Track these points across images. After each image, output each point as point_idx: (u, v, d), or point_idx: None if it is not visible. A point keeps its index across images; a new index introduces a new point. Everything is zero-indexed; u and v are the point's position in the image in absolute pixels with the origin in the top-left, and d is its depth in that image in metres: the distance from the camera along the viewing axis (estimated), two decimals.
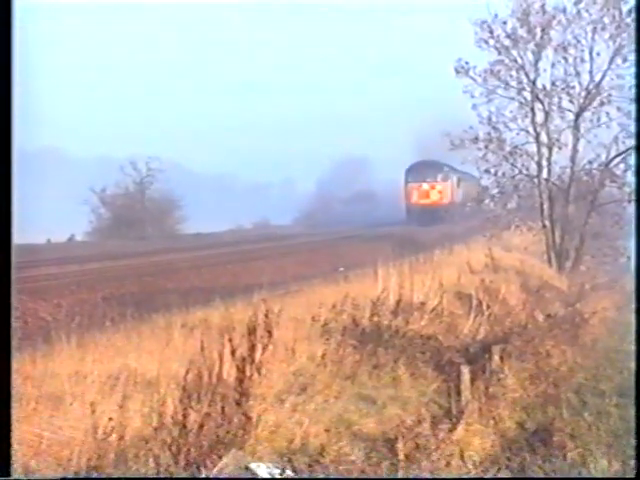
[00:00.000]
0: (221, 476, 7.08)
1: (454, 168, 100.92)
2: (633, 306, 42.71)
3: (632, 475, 8.23)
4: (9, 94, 9.97)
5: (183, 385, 10.34)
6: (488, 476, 14.63)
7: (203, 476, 7.27)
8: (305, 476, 11.20)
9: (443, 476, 7.45)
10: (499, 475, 14.68)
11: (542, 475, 15.02)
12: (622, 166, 48.60)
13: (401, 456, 12.95)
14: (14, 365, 14.94)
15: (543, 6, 47.39)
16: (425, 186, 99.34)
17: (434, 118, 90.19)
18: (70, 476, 6.59)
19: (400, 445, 13.16)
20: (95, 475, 8.91)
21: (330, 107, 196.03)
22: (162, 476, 8.03)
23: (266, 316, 11.63)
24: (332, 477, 6.28)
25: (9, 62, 9.84)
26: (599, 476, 14.87)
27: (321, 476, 11.31)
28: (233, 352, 10.77)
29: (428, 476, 7.25)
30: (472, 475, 14.38)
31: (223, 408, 10.11)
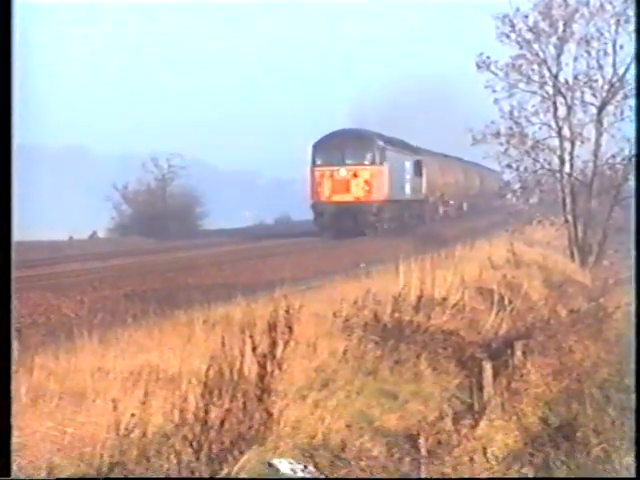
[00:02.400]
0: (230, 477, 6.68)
1: (406, 144, 76.17)
2: None
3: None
4: (9, 93, 9.54)
5: (204, 381, 10.32)
6: (511, 474, 14.62)
7: (212, 477, 6.67)
8: (321, 476, 11.19)
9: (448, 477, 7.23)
10: (523, 471, 14.66)
11: (566, 473, 14.99)
12: None
13: (423, 452, 12.91)
14: (37, 361, 14.99)
15: (566, 0, 46.84)
16: (343, 172, 63.41)
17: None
18: (72, 477, 6.16)
19: (422, 441, 13.12)
20: (116, 471, 8.90)
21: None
22: (173, 476, 7.68)
23: (287, 312, 11.61)
24: (332, 478, 6.00)
25: (9, 61, 9.45)
26: (625, 474, 14.82)
27: (342, 473, 11.29)
28: (254, 348, 10.75)
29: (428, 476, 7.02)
30: (494, 474, 14.36)
31: (244, 404, 10.09)
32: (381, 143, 64.71)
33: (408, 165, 71.42)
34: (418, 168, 74.78)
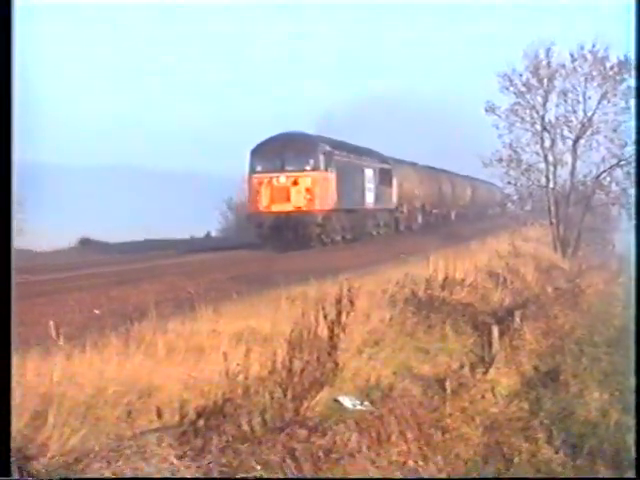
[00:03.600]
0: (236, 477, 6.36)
1: (368, 151, 55.69)
2: (618, 281, 43.03)
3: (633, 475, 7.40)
4: (9, 97, 7.91)
5: (289, 340, 10.38)
6: (512, 407, 14.65)
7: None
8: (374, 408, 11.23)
9: (445, 476, 7.18)
10: (521, 405, 14.72)
11: (553, 405, 15.02)
12: (608, 179, 49.36)
13: (448, 391, 12.97)
14: (169, 326, 15.18)
15: (549, 62, 48.03)
16: (282, 179, 44.85)
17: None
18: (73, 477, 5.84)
19: (448, 383, 13.19)
20: (227, 405, 8.97)
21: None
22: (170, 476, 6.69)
23: (349, 290, 11.63)
24: (332, 478, 5.93)
25: (9, 64, 7.80)
26: (592, 405, 14.88)
27: (389, 407, 11.34)
28: (325, 316, 10.78)
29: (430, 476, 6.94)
30: (500, 407, 14.39)
31: (318, 357, 10.13)
32: (327, 148, 45.81)
33: (370, 173, 52.61)
34: (386, 177, 56.20)
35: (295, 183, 42.62)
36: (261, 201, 42.80)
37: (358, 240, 47.62)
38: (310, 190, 42.63)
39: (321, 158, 43.78)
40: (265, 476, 7.91)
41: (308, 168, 43.32)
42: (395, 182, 57.63)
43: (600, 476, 7.34)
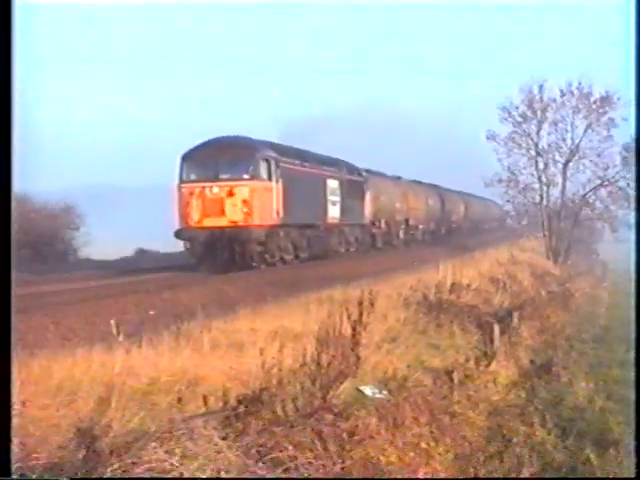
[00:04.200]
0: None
1: (331, 160, 43.83)
2: (602, 285, 43.04)
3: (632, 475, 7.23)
4: (9, 98, 6.98)
5: (317, 337, 10.34)
6: (511, 395, 14.59)
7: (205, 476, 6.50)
8: (390, 396, 11.19)
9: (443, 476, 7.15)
10: (518, 393, 14.67)
11: (546, 393, 14.96)
12: (593, 197, 49.90)
13: (456, 381, 12.92)
14: (214, 324, 15.17)
15: (541, 97, 48.60)
16: (215, 190, 33.15)
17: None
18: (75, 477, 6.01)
19: (455, 375, 13.14)
20: (264, 394, 8.95)
21: None
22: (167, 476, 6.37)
23: (369, 294, 11.57)
24: (332, 478, 5.84)
25: (9, 64, 6.88)
26: (580, 393, 14.84)
27: (404, 396, 11.30)
28: (349, 317, 10.72)
29: (428, 477, 6.89)
30: (500, 395, 14.32)
31: (343, 352, 10.07)
32: (270, 154, 34.33)
33: (334, 184, 41.19)
34: (357, 189, 45.21)
35: (230, 194, 31.83)
36: (191, 215, 31.85)
37: (319, 258, 37.44)
38: (248, 202, 31.77)
39: (262, 165, 32.89)
40: (298, 455, 7.87)
41: (246, 177, 32.35)
42: (369, 195, 47.14)
43: (599, 476, 7.18)
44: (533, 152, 49.15)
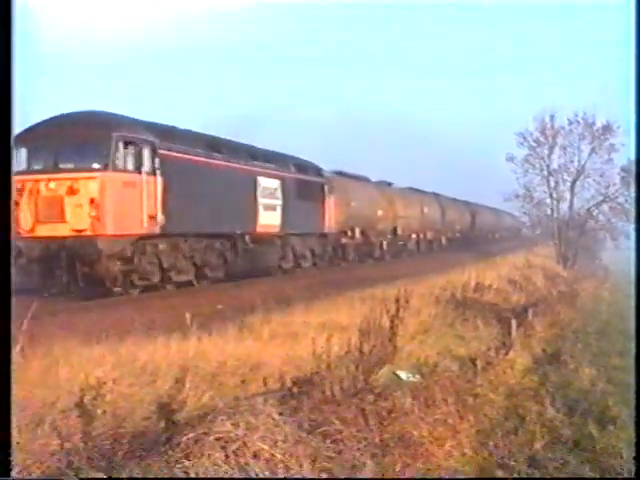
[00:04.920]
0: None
1: (252, 150, 28.37)
2: (604, 286, 42.77)
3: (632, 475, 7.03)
4: (9, 98, 5.70)
5: (360, 329, 10.28)
6: (526, 380, 14.46)
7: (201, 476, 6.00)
8: (422, 380, 11.11)
9: (442, 476, 7.10)
10: (532, 378, 14.54)
11: (556, 378, 14.80)
12: (596, 211, 50.08)
13: (479, 367, 12.79)
14: (273, 317, 15.18)
15: (552, 125, 48.59)
16: (52, 185, 18.35)
17: None
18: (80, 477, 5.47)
19: (478, 362, 13.02)
20: (315, 377, 8.91)
21: None
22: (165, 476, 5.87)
23: (405, 292, 11.50)
24: (328, 477, 5.75)
25: (9, 64, 5.71)
26: (584, 377, 14.69)
27: (434, 379, 11.21)
28: (388, 311, 10.64)
29: (428, 476, 6.82)
30: (517, 379, 14.18)
31: (382, 342, 10.01)
32: (142, 136, 20.41)
33: (271, 184, 28.23)
34: (314, 193, 32.38)
35: (72, 191, 18.88)
36: (21, 220, 18.99)
37: (250, 277, 25.62)
38: (96, 202, 18.87)
39: (122, 150, 19.61)
40: (344, 429, 7.83)
41: (96, 166, 19.25)
42: (334, 200, 34.57)
43: (599, 476, 7.09)
44: (545, 172, 49.25)
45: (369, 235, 40.96)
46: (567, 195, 49.80)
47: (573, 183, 49.23)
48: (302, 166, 32.34)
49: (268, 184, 28.12)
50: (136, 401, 8.06)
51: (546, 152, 48.96)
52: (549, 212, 50.79)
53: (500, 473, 9.04)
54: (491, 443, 10.12)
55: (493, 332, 17.64)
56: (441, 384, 10.84)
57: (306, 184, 31.76)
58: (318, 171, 34.12)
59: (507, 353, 15.09)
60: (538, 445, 10.17)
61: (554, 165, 49.28)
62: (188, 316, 11.71)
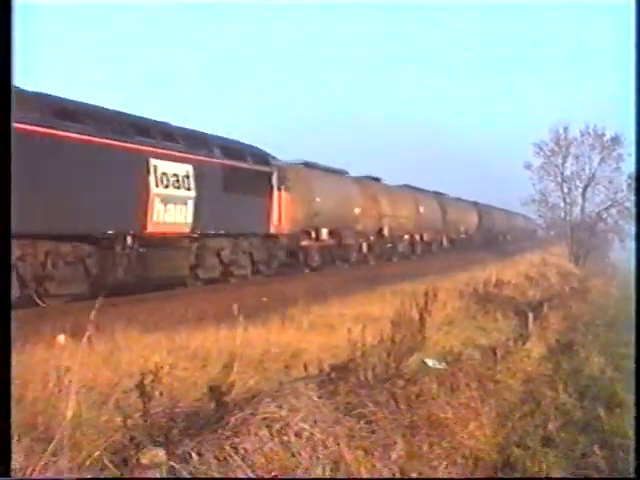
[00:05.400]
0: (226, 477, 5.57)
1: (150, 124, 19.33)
2: (612, 283, 42.69)
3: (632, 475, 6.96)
4: (9, 97, 4.82)
5: (392, 320, 10.21)
6: (541, 367, 14.35)
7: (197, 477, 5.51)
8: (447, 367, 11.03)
9: (441, 476, 7.01)
10: (546, 365, 14.42)
11: (568, 366, 14.66)
12: (605, 214, 50.35)
13: (499, 355, 12.70)
14: (312, 309, 15.17)
15: (566, 136, 49.10)
16: None
17: None
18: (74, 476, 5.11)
19: (498, 351, 12.92)
20: (350, 363, 8.86)
21: None
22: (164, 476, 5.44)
23: (433, 287, 11.42)
24: (326, 478, 5.53)
25: (9, 64, 4.87)
26: (592, 366, 14.54)
27: (458, 367, 11.13)
28: (417, 304, 10.59)
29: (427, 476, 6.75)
30: (533, 367, 14.05)
31: (412, 332, 9.94)
32: None
33: (177, 171, 19.08)
34: (255, 184, 23.59)
35: None
36: None
37: (138, 292, 18.09)
38: None
39: None
40: (377, 411, 7.78)
41: None
42: (289, 195, 26.29)
43: (598, 476, 6.97)
44: (559, 179, 49.81)
45: (343, 236, 32.10)
46: (579, 200, 50.36)
47: (584, 189, 49.81)
48: (235, 150, 23.30)
49: (171, 170, 19.33)
50: (189, 384, 8.08)
51: (560, 161, 49.49)
52: (563, 215, 51.20)
53: (517, 451, 8.96)
54: (509, 424, 10.08)
55: (511, 324, 17.55)
56: (464, 371, 10.77)
57: (240, 173, 22.91)
58: (264, 158, 25.09)
59: (524, 343, 14.98)
60: (552, 426, 10.12)
61: (567, 172, 49.83)
62: (235, 307, 11.69)
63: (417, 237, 44.20)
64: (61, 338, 10.22)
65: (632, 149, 35.60)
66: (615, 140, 47.91)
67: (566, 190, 50.15)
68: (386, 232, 37.48)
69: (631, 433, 9.64)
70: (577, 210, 50.81)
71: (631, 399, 11.29)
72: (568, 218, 51.00)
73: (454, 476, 7.80)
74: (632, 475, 6.86)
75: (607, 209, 50.51)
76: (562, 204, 50.71)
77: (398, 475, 7.02)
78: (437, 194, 51.95)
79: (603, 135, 48.43)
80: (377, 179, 40.15)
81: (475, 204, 62.66)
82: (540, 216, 55.16)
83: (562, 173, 49.80)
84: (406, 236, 41.13)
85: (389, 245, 38.99)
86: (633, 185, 47.18)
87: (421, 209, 44.67)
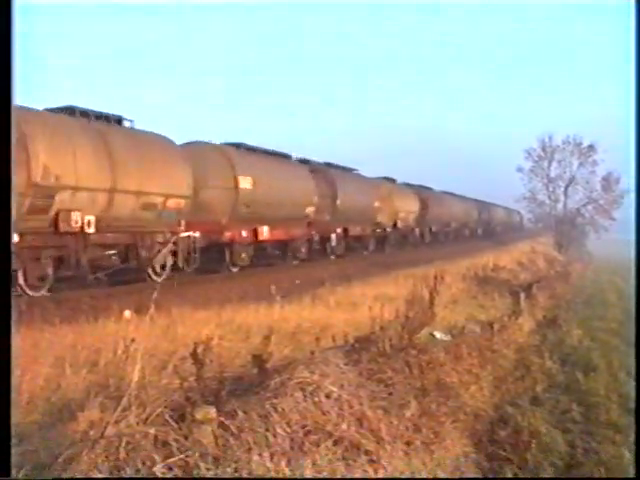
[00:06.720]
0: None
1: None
2: (590, 267, 42.75)
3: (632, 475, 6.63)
4: (9, 97, 4.29)
5: (406, 299, 10.05)
6: (532, 338, 14.19)
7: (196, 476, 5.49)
8: (453, 339, 10.89)
9: (442, 476, 6.76)
10: (535, 336, 14.24)
11: (553, 337, 14.47)
12: (583, 210, 51.50)
13: (495, 329, 12.57)
14: (337, 289, 15.07)
15: (550, 144, 50.07)
16: None
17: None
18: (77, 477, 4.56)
19: (495, 325, 12.79)
20: (370, 336, 8.74)
21: None
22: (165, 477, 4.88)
23: (441, 271, 11.29)
24: (325, 478, 5.28)
25: (9, 64, 4.26)
26: (574, 338, 14.33)
27: (462, 339, 10.98)
28: (427, 286, 10.45)
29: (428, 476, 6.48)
30: (524, 339, 13.87)
31: (423, 309, 9.80)
32: None
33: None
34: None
35: None
36: None
37: None
38: None
39: None
40: (394, 376, 7.66)
41: None
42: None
43: (598, 476, 6.81)
44: (546, 180, 50.62)
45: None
46: (562, 197, 51.11)
47: (566, 188, 50.52)
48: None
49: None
50: (235, 353, 8.01)
51: (546, 165, 50.39)
52: (548, 210, 52.02)
53: (510, 409, 8.85)
54: (504, 387, 10.01)
55: (506, 302, 17.40)
56: (467, 342, 10.68)
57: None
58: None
59: (517, 318, 14.86)
60: (539, 388, 10.11)
61: (552, 174, 50.59)
62: (273, 288, 11.62)
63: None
64: (127, 313, 10.22)
65: (605, 155, 37.55)
66: (591, 148, 48.74)
67: (551, 189, 50.94)
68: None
69: (603, 392, 9.74)
70: (560, 206, 51.50)
71: (604, 364, 11.37)
72: (553, 213, 51.81)
73: (458, 430, 7.68)
74: (632, 475, 6.44)
75: (584, 205, 51.24)
76: (548, 201, 51.45)
77: (411, 430, 6.91)
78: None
79: (581, 144, 49.33)
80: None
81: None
82: (530, 211, 55.91)
83: (548, 175, 50.57)
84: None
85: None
86: (606, 185, 49.05)
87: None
